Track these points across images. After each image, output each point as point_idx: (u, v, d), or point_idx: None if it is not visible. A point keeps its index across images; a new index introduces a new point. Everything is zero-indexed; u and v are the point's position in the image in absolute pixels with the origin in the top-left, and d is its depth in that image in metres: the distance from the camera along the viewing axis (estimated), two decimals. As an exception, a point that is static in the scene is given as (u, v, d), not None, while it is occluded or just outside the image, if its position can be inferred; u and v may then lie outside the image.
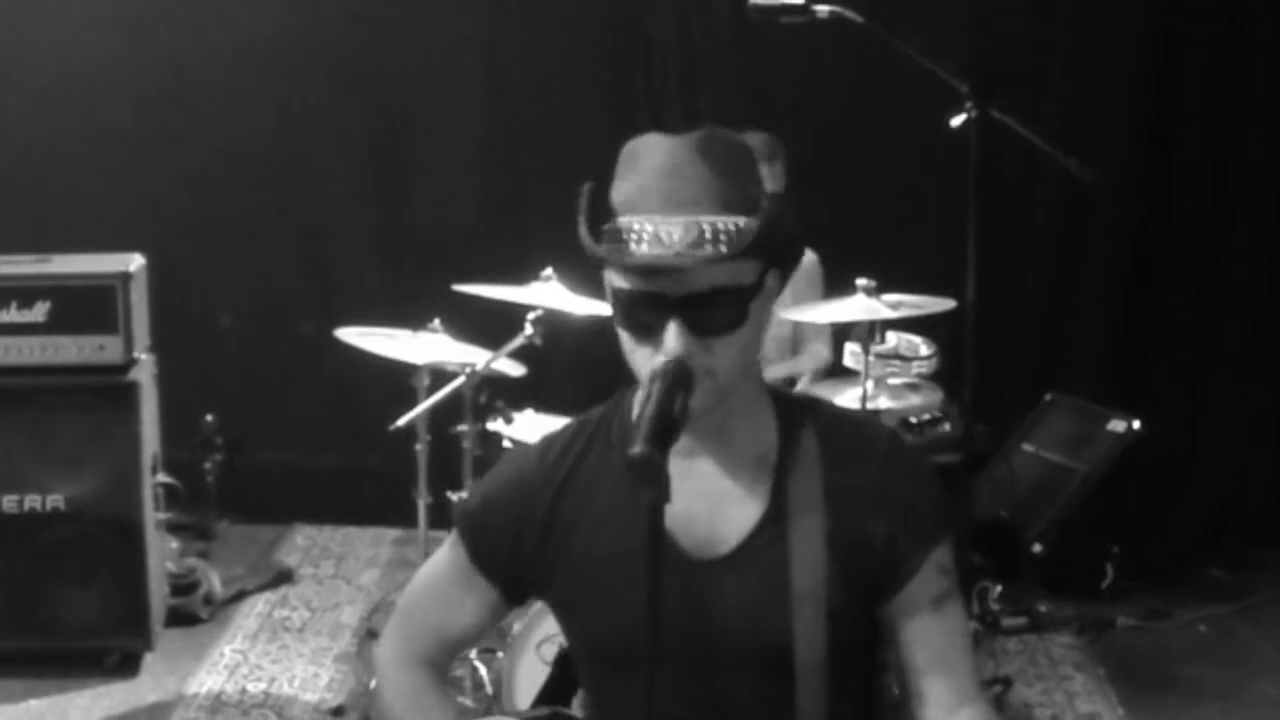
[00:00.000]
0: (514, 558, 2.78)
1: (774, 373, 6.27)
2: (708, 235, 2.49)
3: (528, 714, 2.98)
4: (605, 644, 2.71)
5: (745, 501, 2.68)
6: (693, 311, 2.52)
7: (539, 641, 4.82)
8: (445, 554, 2.90)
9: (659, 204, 2.51)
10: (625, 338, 2.61)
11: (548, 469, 2.77)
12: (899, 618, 2.71)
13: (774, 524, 2.67)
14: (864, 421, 2.91)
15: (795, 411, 2.76)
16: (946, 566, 2.74)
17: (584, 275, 5.68)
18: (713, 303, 2.55)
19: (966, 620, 2.83)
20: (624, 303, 2.57)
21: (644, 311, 2.55)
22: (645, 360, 2.57)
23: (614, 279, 2.58)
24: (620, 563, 2.65)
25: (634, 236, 2.51)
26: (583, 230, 2.56)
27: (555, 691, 3.17)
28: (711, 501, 2.63)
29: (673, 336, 2.52)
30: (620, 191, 2.57)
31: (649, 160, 2.56)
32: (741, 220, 2.53)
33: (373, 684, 5.20)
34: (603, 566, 2.70)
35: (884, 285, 5.61)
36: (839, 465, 2.70)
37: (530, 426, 5.56)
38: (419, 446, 5.67)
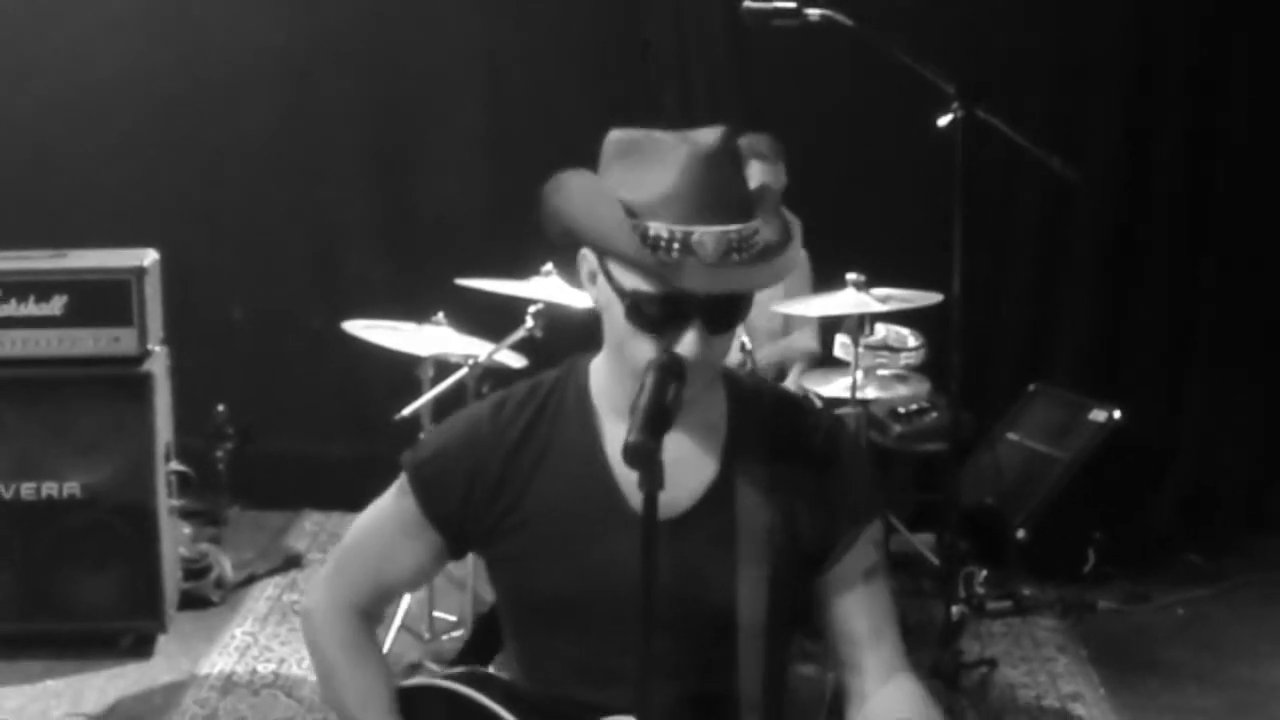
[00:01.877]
0: (464, 511, 2.76)
1: (765, 355, 6.26)
2: (735, 243, 2.50)
3: (452, 671, 2.92)
4: (550, 600, 2.71)
5: (696, 469, 2.71)
6: (712, 314, 2.54)
7: None
8: (390, 503, 2.87)
9: (689, 215, 2.50)
10: (624, 327, 2.58)
11: (501, 427, 2.76)
12: (835, 587, 2.77)
13: (723, 492, 2.70)
14: (806, 406, 2.93)
15: (744, 390, 2.80)
16: (879, 541, 2.83)
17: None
18: (731, 306, 2.58)
19: (891, 594, 2.87)
20: (644, 303, 2.54)
21: (659, 310, 2.54)
22: (645, 350, 2.56)
23: (631, 280, 2.55)
24: (570, 522, 2.68)
25: (663, 244, 2.49)
26: (619, 226, 2.52)
27: (474, 653, 3.13)
28: (667, 467, 2.58)
29: (694, 340, 2.53)
30: (637, 193, 2.53)
31: (671, 166, 2.52)
32: (759, 225, 2.55)
33: (388, 636, 5.25)
34: (553, 525, 2.70)
35: (873, 279, 5.62)
36: (784, 443, 2.75)
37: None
38: (424, 435, 5.68)
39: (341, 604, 2.90)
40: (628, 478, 2.59)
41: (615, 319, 2.60)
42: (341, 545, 2.97)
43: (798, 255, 2.66)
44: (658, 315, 2.54)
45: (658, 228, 2.49)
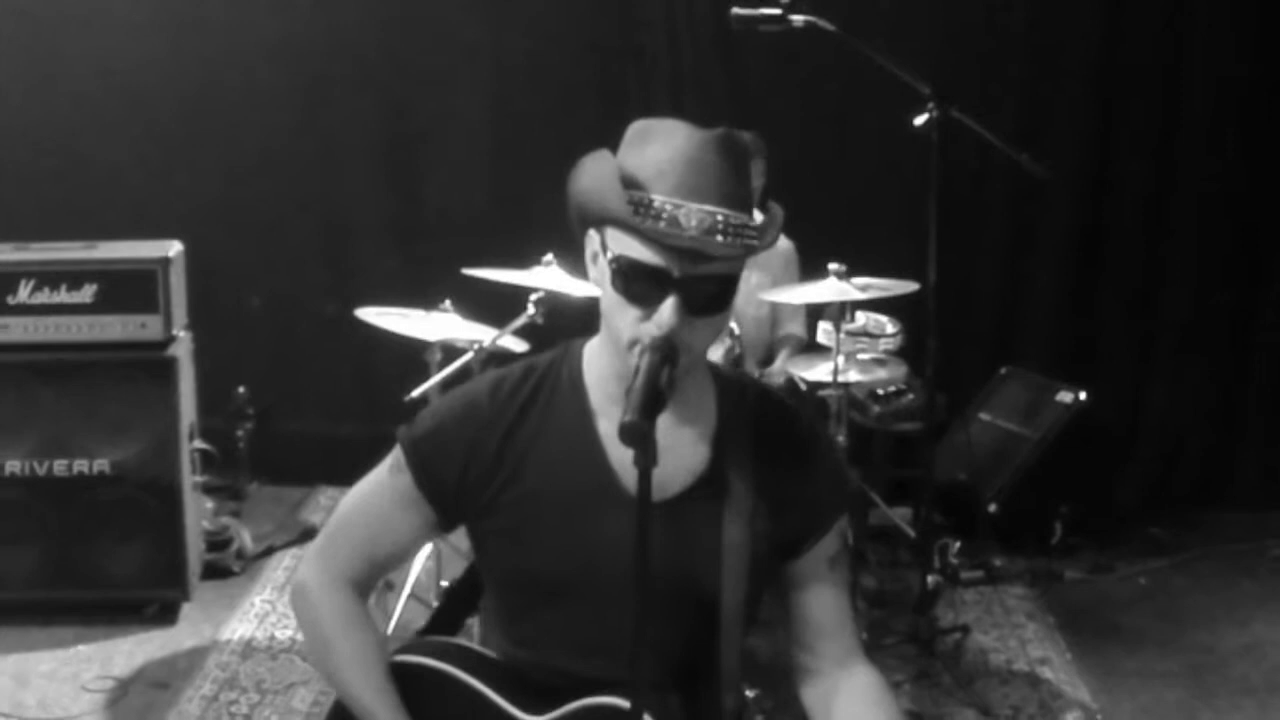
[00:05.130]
0: (459, 485, 2.72)
1: (751, 340, 6.24)
2: (720, 226, 2.49)
3: (437, 647, 2.84)
4: (540, 575, 2.69)
5: (687, 456, 2.71)
6: (691, 292, 2.52)
7: None
8: (385, 478, 2.82)
9: (678, 188, 2.49)
10: (613, 297, 2.57)
11: (499, 405, 2.73)
12: (803, 573, 2.80)
13: (713, 478, 2.71)
14: (783, 400, 2.92)
15: (732, 386, 2.80)
16: (843, 531, 2.84)
17: (580, 261, 5.71)
18: (711, 287, 2.55)
19: (849, 581, 2.94)
20: (627, 269, 2.53)
21: (644, 282, 2.52)
22: (629, 323, 2.55)
23: (621, 245, 2.54)
24: (563, 499, 2.66)
25: (652, 212, 2.49)
26: (616, 193, 2.51)
27: (441, 626, 3.08)
28: (660, 452, 2.56)
29: (669, 310, 2.50)
30: (637, 166, 2.53)
31: (669, 144, 2.53)
32: (746, 217, 2.54)
33: (397, 606, 5.24)
34: (546, 502, 2.68)
35: (854, 269, 5.61)
36: (769, 436, 2.75)
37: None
38: (420, 413, 5.66)
39: (336, 577, 2.84)
40: (620, 457, 2.61)
41: (607, 293, 2.59)
42: (333, 520, 2.90)
43: (774, 239, 2.65)
44: (639, 284, 2.53)
45: (650, 197, 2.49)
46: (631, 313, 2.54)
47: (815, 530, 2.77)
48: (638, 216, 2.49)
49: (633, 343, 2.54)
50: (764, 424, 2.77)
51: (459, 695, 2.75)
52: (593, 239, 2.63)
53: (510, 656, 2.79)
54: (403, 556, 2.95)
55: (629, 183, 2.51)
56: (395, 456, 2.81)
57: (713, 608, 2.67)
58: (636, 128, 2.62)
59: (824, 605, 2.81)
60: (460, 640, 2.93)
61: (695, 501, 2.69)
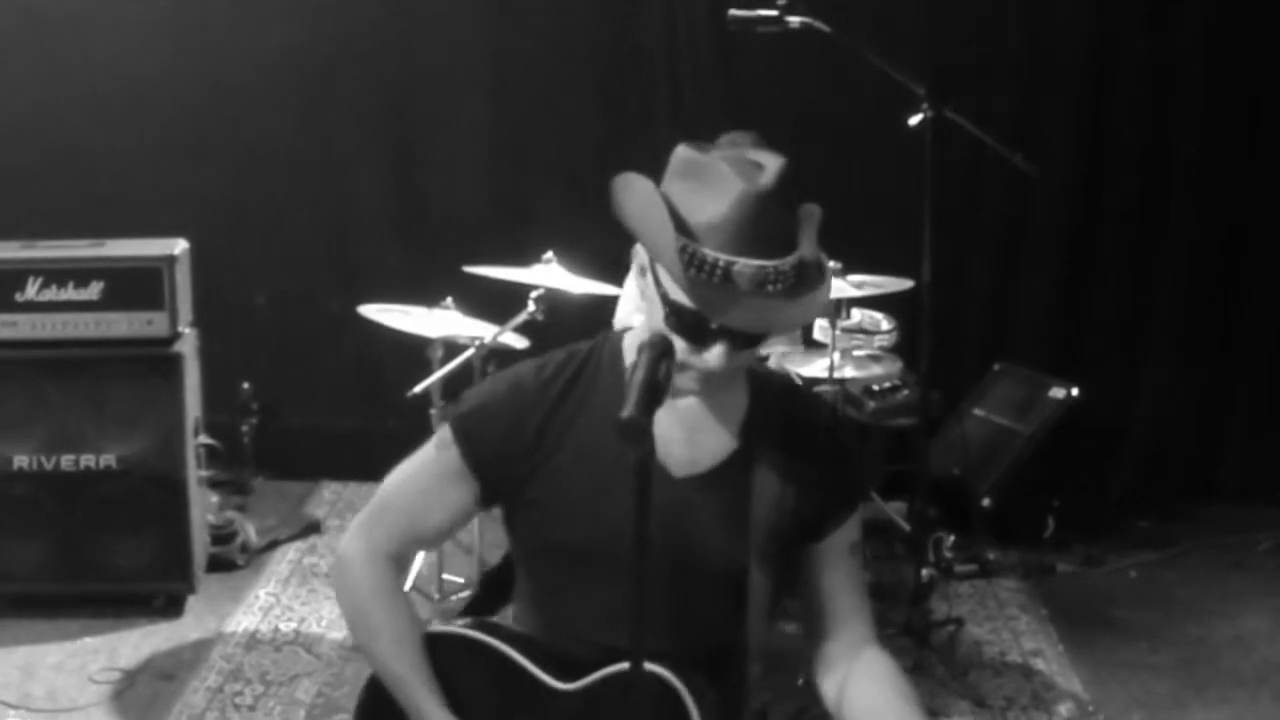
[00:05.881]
0: (502, 458, 2.77)
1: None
2: (771, 276, 2.52)
3: (474, 624, 2.93)
4: (569, 547, 2.73)
5: (718, 436, 2.76)
6: (739, 336, 2.57)
7: None
8: (431, 453, 2.88)
9: (730, 245, 2.50)
10: (662, 324, 2.60)
11: (542, 384, 2.79)
12: (823, 558, 2.83)
13: (742, 460, 2.75)
14: (810, 393, 3.04)
15: (761, 378, 2.85)
16: (861, 518, 2.88)
17: (580, 259, 5.72)
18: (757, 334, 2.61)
19: (864, 569, 2.96)
20: (677, 311, 2.56)
21: (693, 324, 2.55)
22: (680, 347, 2.57)
23: (674, 288, 2.56)
24: (597, 476, 2.70)
25: (705, 269, 2.50)
26: (668, 242, 2.52)
27: (480, 607, 3.14)
28: (690, 430, 2.70)
29: (718, 355, 2.56)
30: (689, 211, 2.53)
31: (724, 198, 2.51)
32: (797, 259, 2.57)
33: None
34: (582, 475, 2.73)
35: (849, 267, 5.63)
36: (796, 425, 2.80)
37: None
38: (433, 411, 5.69)
39: (376, 551, 2.89)
40: (660, 436, 2.61)
41: (657, 313, 2.62)
42: (377, 496, 2.94)
43: (825, 297, 2.68)
44: (690, 325, 2.56)
45: (703, 252, 2.50)
46: (682, 343, 2.58)
47: (838, 513, 2.81)
48: (691, 270, 2.51)
49: (683, 365, 2.58)
50: (792, 415, 2.82)
51: (491, 662, 2.82)
52: (640, 253, 2.66)
53: (541, 632, 2.85)
54: (444, 533, 2.98)
55: (680, 226, 2.53)
56: (441, 434, 2.86)
57: (741, 583, 2.72)
58: (683, 162, 2.62)
59: (842, 592, 2.85)
60: (495, 619, 3.00)
61: (725, 479, 2.75)
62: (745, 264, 2.49)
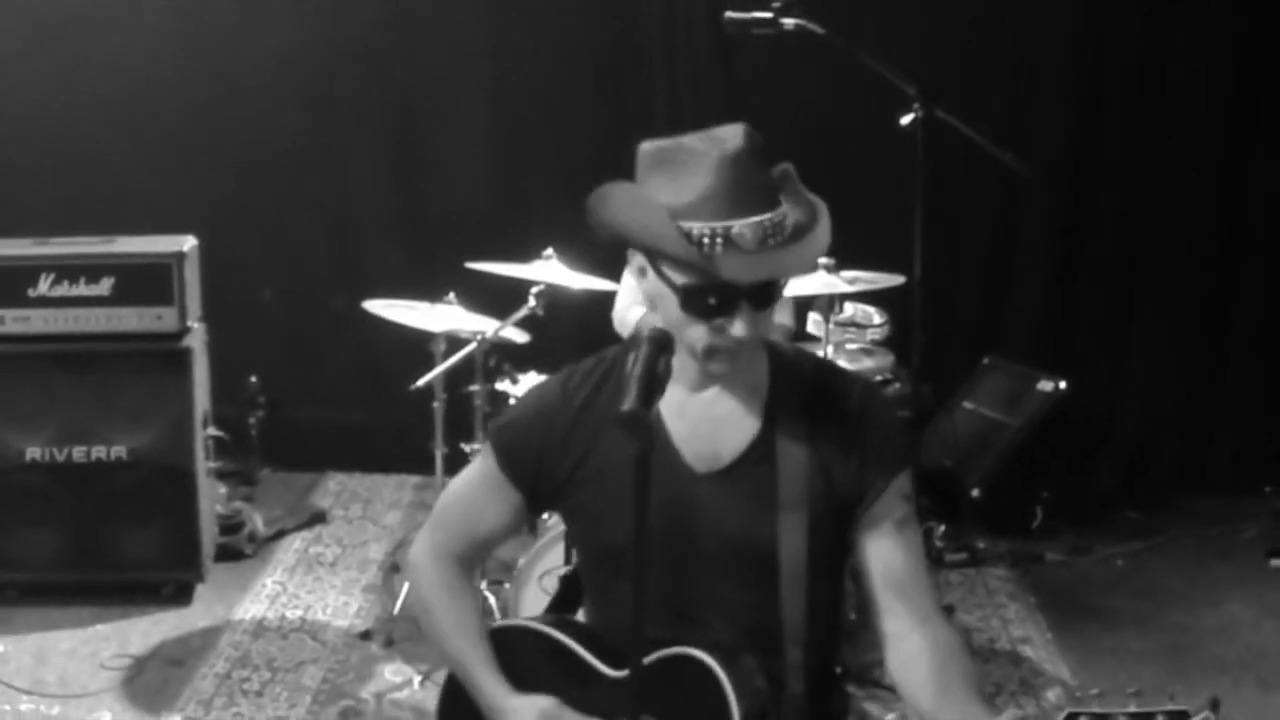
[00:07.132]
0: (537, 469, 2.86)
1: None
2: (769, 229, 2.57)
3: (539, 618, 3.05)
4: (614, 546, 2.73)
5: (741, 425, 2.77)
6: (755, 295, 2.60)
7: (541, 574, 4.84)
8: (477, 465, 3.00)
9: (723, 211, 2.55)
10: (678, 315, 2.63)
11: (570, 394, 2.86)
12: (867, 533, 2.78)
13: (764, 445, 2.75)
14: (842, 370, 2.99)
15: (784, 356, 2.85)
16: (908, 493, 2.84)
17: (579, 255, 5.72)
18: (771, 283, 2.64)
19: (923, 546, 2.89)
20: (695, 294, 2.60)
21: (711, 297, 2.59)
22: (699, 334, 2.63)
23: (676, 273, 2.61)
24: (627, 475, 2.65)
25: (708, 242, 2.54)
26: (671, 235, 2.57)
27: (559, 609, 3.22)
28: (712, 423, 2.74)
29: (743, 323, 2.60)
30: (676, 195, 2.58)
31: (703, 169, 2.57)
32: (786, 209, 2.62)
33: (404, 587, 5.26)
34: (612, 481, 2.75)
35: (842, 263, 5.62)
36: (821, 401, 2.78)
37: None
38: (436, 404, 5.69)
39: (438, 551, 3.02)
40: (679, 432, 2.75)
41: (669, 308, 2.65)
42: (438, 503, 3.10)
43: (827, 234, 2.70)
44: (706, 300, 2.60)
45: (700, 227, 2.55)
46: (698, 325, 2.62)
47: (871, 491, 2.77)
48: (698, 250, 2.55)
49: (711, 350, 2.64)
50: (817, 391, 2.80)
51: (550, 650, 2.91)
52: (637, 256, 2.69)
53: (601, 625, 2.94)
54: (500, 536, 3.08)
55: (674, 214, 2.57)
56: (485, 446, 2.98)
57: (772, 568, 2.72)
58: (652, 154, 2.66)
59: (895, 566, 2.77)
60: (568, 616, 3.14)
61: (748, 468, 2.75)
62: (742, 225, 2.54)
